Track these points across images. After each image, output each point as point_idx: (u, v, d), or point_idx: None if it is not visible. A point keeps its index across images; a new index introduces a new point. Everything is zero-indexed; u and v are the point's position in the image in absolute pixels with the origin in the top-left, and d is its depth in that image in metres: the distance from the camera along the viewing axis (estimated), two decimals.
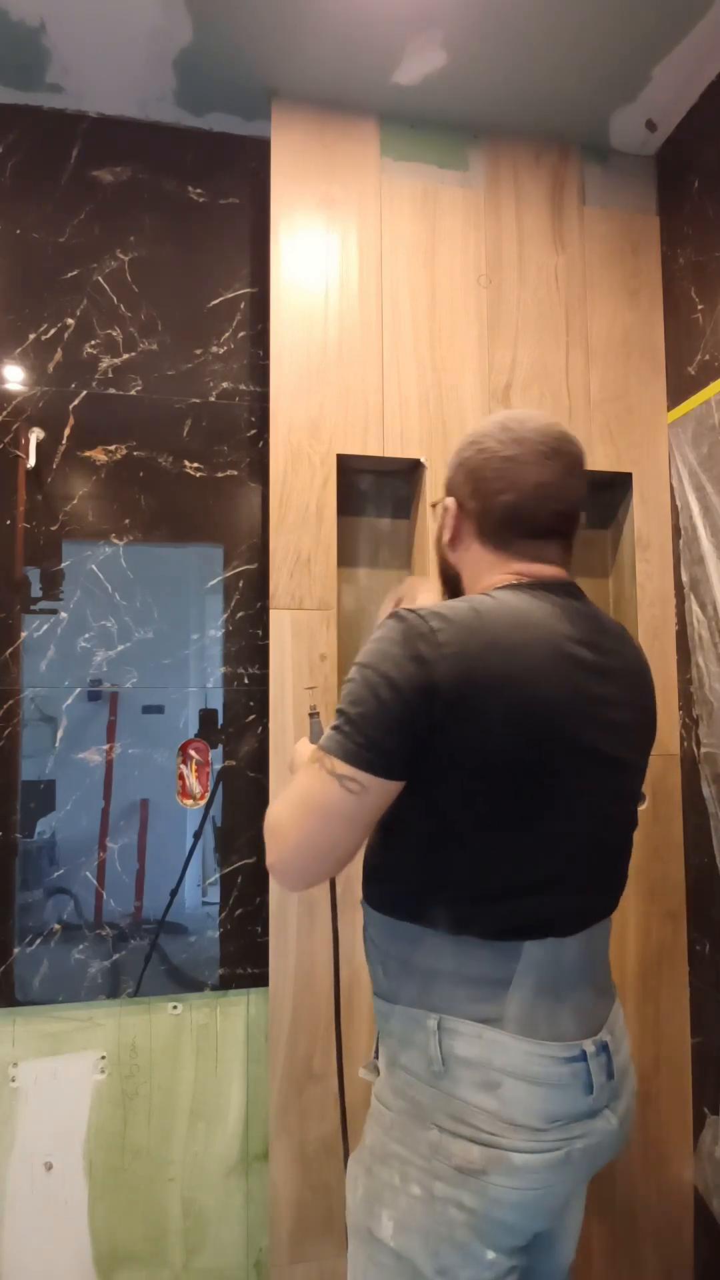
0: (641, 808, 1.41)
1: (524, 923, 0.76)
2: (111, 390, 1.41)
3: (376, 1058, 0.86)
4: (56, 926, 1.32)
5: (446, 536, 0.88)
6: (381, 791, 0.73)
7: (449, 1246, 0.74)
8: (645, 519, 1.47)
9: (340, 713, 0.74)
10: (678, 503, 1.46)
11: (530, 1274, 0.86)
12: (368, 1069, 0.87)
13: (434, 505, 0.94)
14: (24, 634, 1.34)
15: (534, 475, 0.80)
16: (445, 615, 0.73)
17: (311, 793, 0.75)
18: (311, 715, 1.15)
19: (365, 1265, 0.80)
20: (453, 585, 0.92)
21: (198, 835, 1.39)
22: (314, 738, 1.11)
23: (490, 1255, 0.74)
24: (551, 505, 0.81)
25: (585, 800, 0.77)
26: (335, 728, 0.74)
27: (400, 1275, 0.76)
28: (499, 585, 0.81)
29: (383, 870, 0.83)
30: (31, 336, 1.39)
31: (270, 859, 0.78)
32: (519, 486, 0.81)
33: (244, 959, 1.38)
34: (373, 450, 1.37)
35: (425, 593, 1.02)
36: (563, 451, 0.82)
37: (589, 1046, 0.77)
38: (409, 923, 0.79)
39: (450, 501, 0.87)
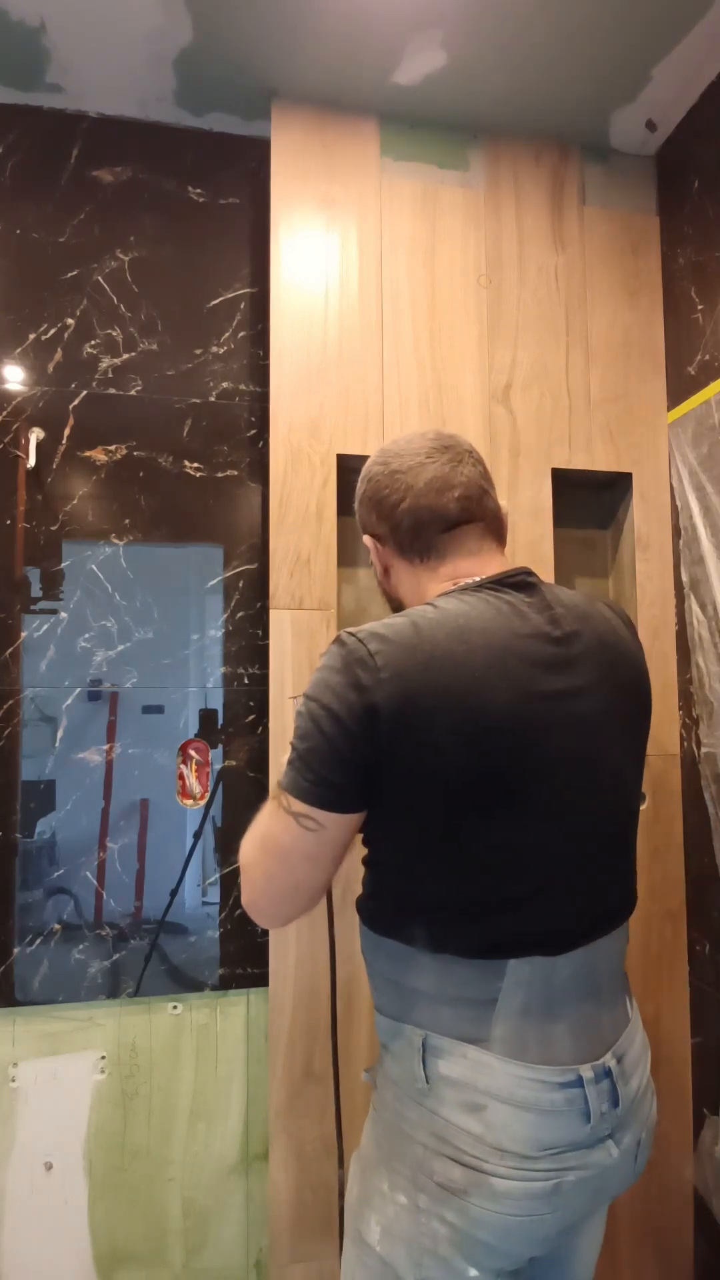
0: (641, 808, 1.42)
1: (506, 940, 0.73)
2: (111, 390, 1.41)
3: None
4: (56, 926, 1.32)
5: (379, 573, 0.89)
6: (340, 825, 0.72)
7: (431, 1259, 0.72)
8: (645, 519, 1.47)
9: (291, 747, 0.73)
10: (678, 503, 1.46)
11: None
12: (370, 1075, 0.86)
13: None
14: (24, 634, 1.34)
15: (422, 474, 0.82)
16: (384, 635, 0.71)
17: (271, 832, 0.74)
18: None
19: (354, 1265, 0.80)
20: None
21: (198, 835, 1.39)
22: None
23: (473, 1273, 0.72)
24: (451, 493, 0.82)
25: (557, 806, 0.73)
26: (289, 763, 0.73)
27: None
28: (441, 593, 0.79)
29: (366, 886, 0.82)
30: (31, 336, 1.39)
31: (244, 899, 0.78)
32: (413, 489, 0.82)
33: (244, 959, 1.38)
34: (373, 450, 1.36)
35: None
36: (443, 447, 0.83)
37: (587, 1072, 0.73)
38: (391, 939, 0.78)
39: (367, 539, 0.88)
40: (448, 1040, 0.74)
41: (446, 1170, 0.72)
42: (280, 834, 0.73)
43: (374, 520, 0.86)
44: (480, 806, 0.71)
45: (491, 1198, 0.70)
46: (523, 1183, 0.71)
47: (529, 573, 0.80)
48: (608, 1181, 0.76)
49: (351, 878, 1.26)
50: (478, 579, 0.79)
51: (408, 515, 0.82)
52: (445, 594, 0.78)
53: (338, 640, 0.73)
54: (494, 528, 0.85)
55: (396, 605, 0.90)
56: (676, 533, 1.46)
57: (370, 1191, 0.78)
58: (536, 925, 0.74)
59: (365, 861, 0.82)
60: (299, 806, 0.71)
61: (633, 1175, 0.80)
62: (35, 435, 1.36)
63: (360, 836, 0.79)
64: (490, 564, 0.82)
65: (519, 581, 0.79)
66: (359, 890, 0.85)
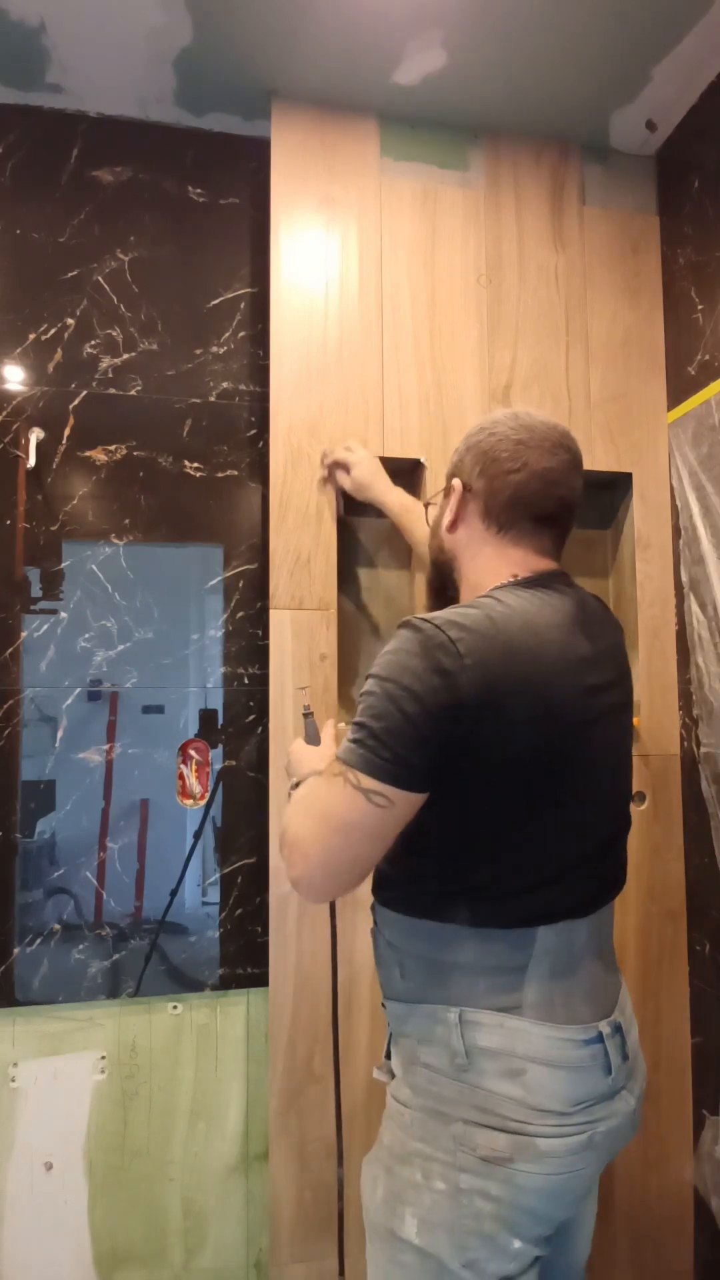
0: (641, 808, 1.42)
1: (541, 911, 0.78)
2: (111, 390, 1.41)
3: (389, 1058, 0.87)
4: (56, 926, 1.32)
5: (448, 519, 0.89)
6: (407, 804, 0.73)
7: (476, 1239, 0.74)
8: (645, 519, 1.47)
9: (361, 726, 0.73)
10: (678, 503, 1.46)
11: (547, 1270, 0.85)
12: (381, 1070, 0.87)
13: (428, 504, 0.96)
14: (24, 634, 1.34)
15: (543, 460, 0.84)
16: (462, 624, 0.73)
17: (336, 807, 0.74)
18: (306, 715, 1.16)
19: (387, 1267, 0.79)
20: (443, 577, 0.92)
21: (198, 835, 1.39)
22: (308, 738, 1.10)
23: (517, 1245, 0.75)
24: (556, 491, 0.84)
25: (597, 790, 0.81)
26: (357, 741, 0.73)
27: (425, 1273, 0.76)
28: (500, 585, 0.82)
29: (401, 875, 0.83)
30: (31, 336, 1.39)
31: (292, 874, 0.77)
32: (530, 467, 0.83)
33: (244, 959, 1.38)
34: (373, 450, 1.37)
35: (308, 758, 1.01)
36: (567, 446, 0.86)
37: (605, 1028, 0.79)
38: (429, 920, 0.80)
39: (456, 483, 0.88)
40: (484, 1013, 0.77)
41: (491, 1140, 0.74)
42: (346, 810, 0.73)
43: (475, 472, 0.86)
44: (544, 791, 0.76)
45: (537, 1159, 0.73)
46: (562, 1139, 0.74)
47: (566, 575, 0.87)
48: (622, 1132, 0.81)
49: None
50: (527, 576, 0.83)
51: (513, 487, 0.84)
52: (502, 587, 0.81)
53: (410, 626, 0.74)
54: (564, 537, 0.89)
55: (441, 559, 0.92)
56: (676, 533, 1.46)
57: (401, 1186, 0.78)
58: (569, 897, 0.80)
59: (401, 852, 0.81)
60: (370, 783, 0.71)
61: (632, 1129, 0.84)
62: (35, 435, 1.36)
63: None
64: (548, 565, 0.87)
65: (564, 582, 0.85)
66: (357, 891, 0.85)
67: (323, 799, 0.75)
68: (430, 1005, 0.80)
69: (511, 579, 0.83)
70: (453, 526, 0.89)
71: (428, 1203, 0.76)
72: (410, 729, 0.71)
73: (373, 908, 0.89)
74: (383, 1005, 0.88)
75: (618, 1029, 0.80)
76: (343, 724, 1.28)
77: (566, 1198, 0.77)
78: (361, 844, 0.74)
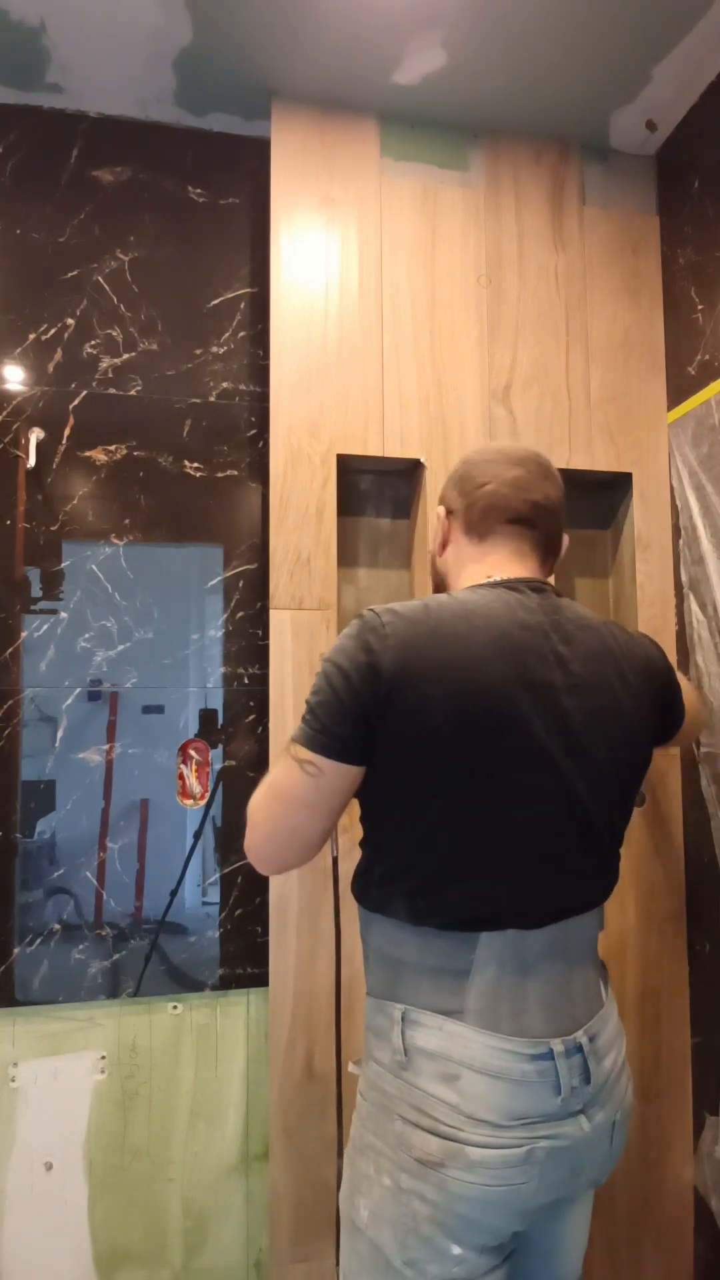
0: (640, 808, 1.42)
1: (479, 912, 0.78)
2: (111, 390, 1.41)
3: None
4: (56, 926, 1.32)
5: (437, 549, 0.96)
6: (338, 775, 0.78)
7: (415, 1239, 0.74)
8: (645, 519, 1.47)
9: (306, 703, 0.80)
10: (678, 503, 1.46)
11: None
12: (356, 1064, 0.89)
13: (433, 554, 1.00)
14: (24, 634, 1.34)
15: (511, 471, 0.90)
16: (397, 610, 0.79)
17: (278, 779, 0.81)
18: None
19: (348, 1254, 0.82)
20: None
21: (198, 835, 1.39)
22: None
23: (456, 1250, 0.74)
24: (526, 495, 0.89)
25: (536, 786, 0.78)
26: (302, 717, 0.79)
27: (375, 1264, 0.77)
28: (468, 586, 0.86)
29: (358, 865, 0.87)
30: (31, 336, 1.39)
31: (245, 844, 0.84)
32: (499, 477, 0.90)
33: (244, 959, 1.38)
34: (373, 450, 1.37)
35: None
36: (534, 460, 0.92)
37: (558, 1045, 0.77)
38: (378, 914, 0.83)
39: (440, 510, 0.95)
40: (426, 1013, 0.78)
41: (424, 1143, 0.74)
42: (285, 779, 0.80)
43: (454, 495, 0.94)
44: (461, 771, 0.76)
45: (468, 1168, 0.73)
46: (497, 1150, 0.73)
47: (545, 583, 0.88)
48: (583, 1159, 0.79)
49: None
50: (499, 578, 0.86)
51: (484, 497, 0.89)
52: (470, 588, 0.85)
53: (359, 615, 0.81)
54: (548, 544, 0.92)
55: (437, 582, 0.98)
56: (676, 533, 1.46)
57: (358, 1177, 0.80)
58: (507, 898, 0.78)
59: (360, 843, 0.86)
60: (303, 754, 0.78)
61: (609, 1158, 0.82)
62: (35, 435, 1.36)
63: (359, 815, 0.85)
64: (524, 571, 0.89)
65: (534, 586, 0.86)
66: None
67: (274, 773, 0.82)
68: (382, 1000, 0.82)
69: (485, 581, 0.86)
70: (442, 550, 0.95)
71: (377, 1196, 0.77)
72: (337, 702, 0.76)
73: None
74: None
75: (577, 1049, 0.78)
76: None
77: (507, 1210, 0.75)
78: (300, 813, 0.80)
